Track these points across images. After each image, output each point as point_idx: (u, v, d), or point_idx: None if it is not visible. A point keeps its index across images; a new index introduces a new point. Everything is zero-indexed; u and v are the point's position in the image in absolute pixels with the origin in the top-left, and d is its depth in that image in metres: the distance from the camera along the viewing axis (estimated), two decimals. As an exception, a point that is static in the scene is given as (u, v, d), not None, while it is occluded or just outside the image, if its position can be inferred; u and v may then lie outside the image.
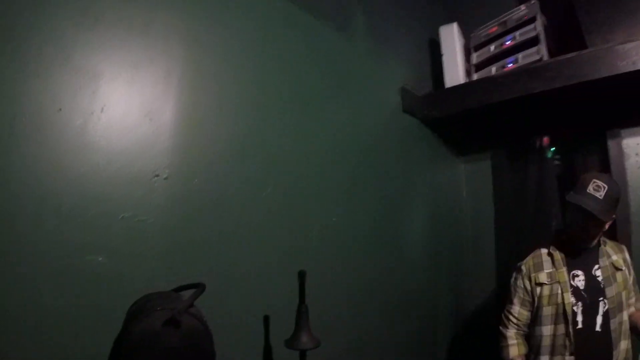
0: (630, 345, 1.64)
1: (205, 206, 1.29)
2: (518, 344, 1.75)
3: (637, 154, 2.23)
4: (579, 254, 1.72)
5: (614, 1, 2.06)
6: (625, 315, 1.66)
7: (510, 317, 1.78)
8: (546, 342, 1.66)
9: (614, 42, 1.91)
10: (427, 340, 2.33)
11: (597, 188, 1.61)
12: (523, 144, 2.53)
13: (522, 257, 1.82)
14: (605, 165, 2.29)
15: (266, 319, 1.42)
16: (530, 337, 1.74)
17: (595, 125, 2.36)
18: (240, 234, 1.38)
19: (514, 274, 1.82)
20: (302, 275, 1.28)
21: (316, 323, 1.33)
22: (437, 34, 2.51)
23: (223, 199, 1.34)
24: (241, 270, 1.37)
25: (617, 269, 1.68)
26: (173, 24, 1.29)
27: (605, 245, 1.75)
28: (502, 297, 2.52)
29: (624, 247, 1.79)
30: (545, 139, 2.46)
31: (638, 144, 2.22)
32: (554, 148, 2.46)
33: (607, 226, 1.68)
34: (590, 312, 1.62)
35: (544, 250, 1.77)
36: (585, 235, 1.68)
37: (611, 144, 2.29)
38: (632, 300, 1.71)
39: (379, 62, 2.16)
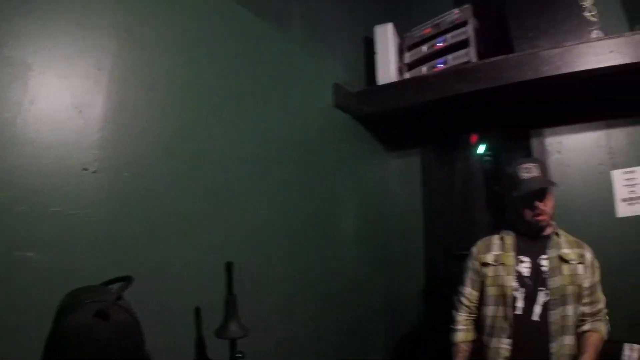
0: (574, 342, 1.69)
1: (135, 200, 1.35)
2: (466, 330, 1.88)
3: (558, 152, 2.59)
4: (530, 241, 1.83)
5: (541, 10, 2.35)
6: (570, 310, 1.71)
7: (462, 299, 1.90)
8: (489, 322, 1.78)
9: (539, 48, 2.20)
10: (358, 332, 2.50)
11: (528, 170, 1.80)
12: (452, 141, 2.82)
13: (451, 252, 2.09)
14: None
15: (197, 311, 1.50)
16: (480, 318, 1.85)
17: (521, 125, 2.69)
18: (171, 227, 1.45)
19: (467, 257, 1.95)
20: (229, 267, 1.45)
21: (249, 315, 1.44)
22: (373, 33, 2.73)
23: (153, 193, 1.41)
24: (171, 264, 1.44)
25: (565, 261, 1.75)
26: (106, 17, 1.33)
27: (559, 237, 1.85)
28: (429, 290, 2.79)
29: (587, 246, 1.84)
30: (474, 137, 2.75)
31: (559, 142, 2.59)
32: (482, 146, 2.76)
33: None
34: (530, 300, 1.71)
35: (497, 235, 1.91)
36: (543, 219, 1.78)
37: (535, 142, 2.64)
38: (586, 301, 1.74)
39: (314, 58, 2.31)
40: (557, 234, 1.86)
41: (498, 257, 1.83)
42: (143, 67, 1.43)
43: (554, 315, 1.69)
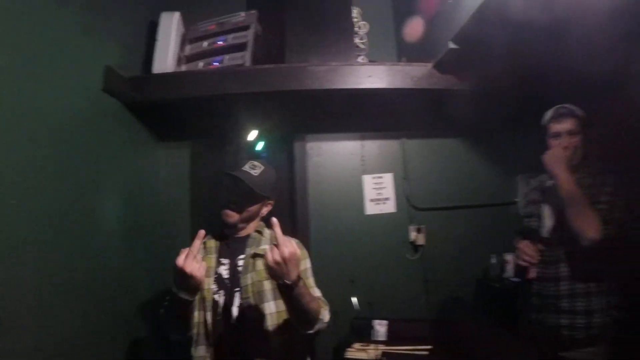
0: (287, 340, 1.74)
1: None
2: None
3: (318, 155, 3.18)
4: (231, 242, 1.89)
5: (317, 29, 2.76)
6: (273, 307, 1.75)
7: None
8: (195, 329, 1.74)
9: (307, 63, 2.60)
10: (124, 331, 2.46)
11: (253, 166, 1.86)
12: (224, 138, 3.12)
13: None
14: (291, 162, 3.15)
15: None
16: None
17: (288, 128, 3.19)
18: None
19: None
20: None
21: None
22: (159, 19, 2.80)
23: None
24: None
25: (260, 255, 1.79)
26: None
27: (261, 235, 1.92)
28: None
29: (293, 241, 1.76)
30: (246, 135, 3.09)
31: (319, 147, 3.18)
32: (252, 144, 3.12)
33: (264, 211, 1.92)
34: (228, 303, 1.74)
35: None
36: (238, 217, 1.84)
37: (297, 145, 3.16)
38: None
39: (90, 36, 2.24)
40: (259, 232, 1.92)
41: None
42: None
43: (254, 315, 1.73)
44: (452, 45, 2.35)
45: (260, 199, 1.89)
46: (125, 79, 2.54)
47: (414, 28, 2.91)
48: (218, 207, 1.91)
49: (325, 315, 1.73)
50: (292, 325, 1.71)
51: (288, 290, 1.54)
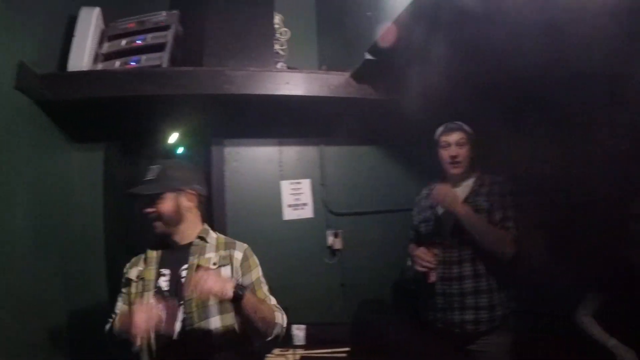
0: (232, 357, 1.74)
1: None
2: None
3: (236, 160, 3.28)
4: (172, 251, 1.85)
5: (238, 34, 2.85)
6: (219, 322, 1.73)
7: (112, 314, 1.83)
8: (139, 344, 1.65)
9: (226, 67, 2.69)
10: (38, 341, 2.44)
11: (150, 171, 1.86)
12: (139, 141, 3.14)
13: (134, 252, 2.01)
14: (208, 168, 3.22)
15: None
16: None
17: (206, 133, 3.26)
18: None
19: None
20: None
21: None
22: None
23: None
24: None
25: (203, 267, 1.76)
26: None
27: (205, 242, 1.88)
28: (112, 292, 2.85)
29: (240, 245, 1.90)
30: (164, 138, 3.14)
31: (237, 152, 3.29)
32: (170, 147, 3.19)
33: (186, 204, 1.86)
34: (170, 317, 1.67)
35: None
36: (161, 225, 1.82)
37: (215, 150, 3.25)
38: None
39: (5, 32, 2.22)
40: (202, 239, 1.89)
41: (140, 273, 1.81)
42: None
43: (198, 330, 1.69)
44: (368, 56, 2.55)
45: (168, 196, 1.84)
46: (38, 76, 2.50)
47: (336, 37, 3.12)
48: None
49: (282, 319, 1.79)
50: (238, 340, 1.76)
51: (235, 303, 1.63)
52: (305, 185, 3.45)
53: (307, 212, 3.44)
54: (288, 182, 3.42)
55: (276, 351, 2.84)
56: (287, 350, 2.86)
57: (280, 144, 3.43)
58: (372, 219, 3.51)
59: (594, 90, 2.59)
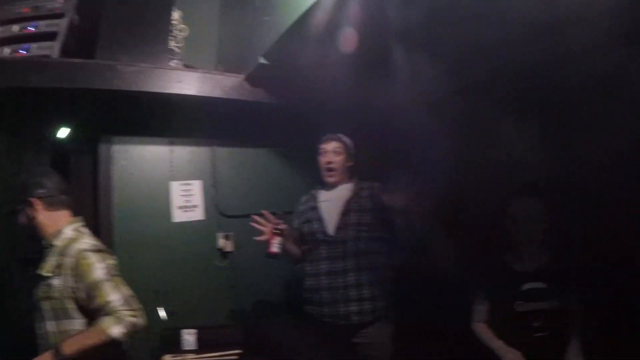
0: None
1: None
2: None
3: (125, 159, 3.27)
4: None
5: (134, 28, 2.86)
6: (51, 327, 1.85)
7: None
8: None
9: (117, 62, 2.68)
10: None
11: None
12: (26, 134, 3.04)
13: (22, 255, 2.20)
14: (95, 166, 3.20)
15: None
16: None
17: (94, 129, 3.21)
18: None
19: None
20: None
21: None
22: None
23: None
24: None
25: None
26: None
27: (54, 248, 1.94)
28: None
29: (76, 249, 1.90)
30: (48, 132, 3.07)
31: (127, 151, 3.28)
32: (54, 142, 3.11)
33: (33, 215, 1.96)
34: (38, 316, 1.89)
35: None
36: (32, 235, 1.97)
37: (102, 148, 3.22)
38: (91, 304, 1.82)
39: None
40: (53, 245, 1.94)
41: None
42: None
43: (42, 335, 1.88)
44: (262, 61, 2.70)
45: (20, 211, 1.99)
46: None
47: (235, 39, 3.23)
48: None
49: (115, 328, 1.75)
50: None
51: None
52: (196, 186, 3.53)
53: (198, 214, 3.52)
54: (179, 183, 3.48)
55: (167, 357, 2.89)
56: (178, 356, 2.92)
57: (172, 143, 3.47)
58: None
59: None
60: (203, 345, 3.08)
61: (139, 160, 3.41)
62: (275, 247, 2.68)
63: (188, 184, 3.52)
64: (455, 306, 2.64)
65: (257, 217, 2.69)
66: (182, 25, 3.28)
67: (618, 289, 2.24)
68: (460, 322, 2.55)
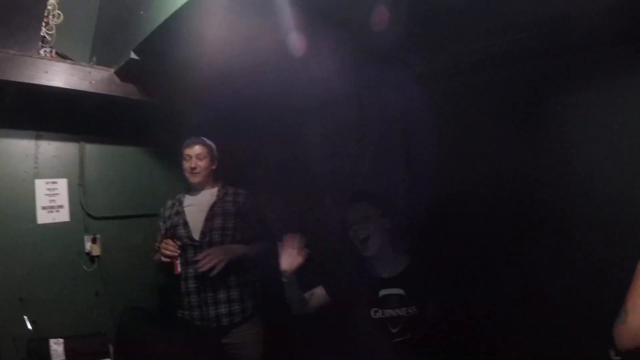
0: None
1: None
2: None
3: None
4: None
5: (2, 10, 2.80)
6: None
7: None
8: None
9: None
10: None
11: None
12: None
13: None
14: None
15: None
16: None
17: None
18: None
19: None
20: None
21: None
22: None
23: None
24: None
25: None
26: None
27: None
28: None
29: None
30: None
31: None
32: None
33: None
34: None
35: None
36: None
37: None
38: None
39: None
40: None
41: None
42: None
43: None
44: (133, 56, 2.86)
45: None
46: None
47: (112, 30, 3.30)
48: None
49: None
50: None
51: None
52: (62, 185, 3.56)
53: (63, 215, 3.56)
54: (44, 181, 3.49)
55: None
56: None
57: (38, 137, 3.45)
58: (134, 223, 3.84)
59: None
60: (71, 356, 3.14)
61: (0, 155, 3.36)
62: (179, 267, 2.98)
63: (53, 182, 3.54)
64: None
65: (163, 243, 3.04)
66: (57, 12, 3.27)
67: (476, 290, 2.56)
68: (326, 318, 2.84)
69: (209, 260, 2.79)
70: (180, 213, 3.10)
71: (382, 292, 2.50)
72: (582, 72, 2.46)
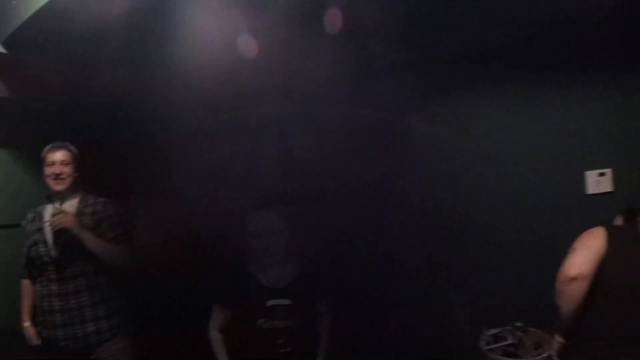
0: None
1: None
2: None
3: None
4: None
5: None
6: None
7: None
8: None
9: None
10: None
11: None
12: None
13: None
14: None
15: None
16: None
17: None
18: None
19: None
20: None
21: None
22: None
23: None
24: None
25: None
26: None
27: None
28: None
29: None
30: None
31: None
32: None
33: None
34: None
35: None
36: None
37: None
38: None
39: None
40: None
41: None
42: None
43: None
44: (1, 49, 2.64)
45: None
46: None
47: None
48: None
49: None
50: None
51: None
52: None
53: None
54: None
55: None
56: None
57: None
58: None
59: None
60: None
61: None
62: None
63: None
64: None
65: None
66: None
67: (365, 293, 2.65)
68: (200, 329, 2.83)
69: (60, 219, 2.67)
70: (40, 230, 2.91)
71: (270, 302, 2.53)
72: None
